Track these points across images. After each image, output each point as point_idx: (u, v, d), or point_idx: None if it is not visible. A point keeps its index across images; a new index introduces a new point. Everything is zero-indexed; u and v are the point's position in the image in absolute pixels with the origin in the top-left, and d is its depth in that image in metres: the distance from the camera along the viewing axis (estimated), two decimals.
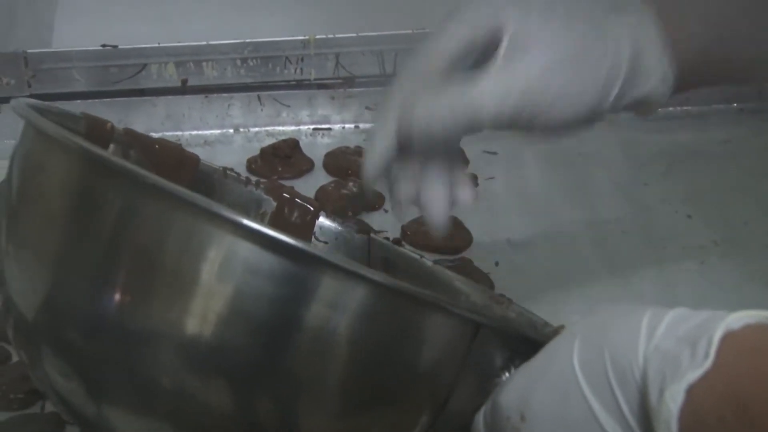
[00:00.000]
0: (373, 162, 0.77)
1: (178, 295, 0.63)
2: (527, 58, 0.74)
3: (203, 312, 0.63)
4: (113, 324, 0.64)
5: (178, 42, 1.34)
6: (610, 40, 0.76)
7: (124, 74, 1.34)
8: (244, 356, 0.63)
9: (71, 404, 0.69)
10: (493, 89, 0.74)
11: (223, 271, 0.63)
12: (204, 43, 1.34)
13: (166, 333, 0.64)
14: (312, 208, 0.95)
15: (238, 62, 1.35)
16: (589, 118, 0.78)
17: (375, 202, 1.07)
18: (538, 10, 0.75)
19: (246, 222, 0.62)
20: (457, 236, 1.14)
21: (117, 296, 0.64)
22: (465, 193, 0.80)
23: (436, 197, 0.79)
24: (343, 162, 1.27)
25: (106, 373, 0.66)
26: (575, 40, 0.75)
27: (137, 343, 0.64)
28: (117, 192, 0.65)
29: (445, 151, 0.79)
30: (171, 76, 1.35)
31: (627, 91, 0.78)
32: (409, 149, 0.76)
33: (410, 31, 1.35)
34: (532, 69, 0.74)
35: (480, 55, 0.76)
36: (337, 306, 0.63)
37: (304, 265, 0.63)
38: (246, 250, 0.62)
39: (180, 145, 0.95)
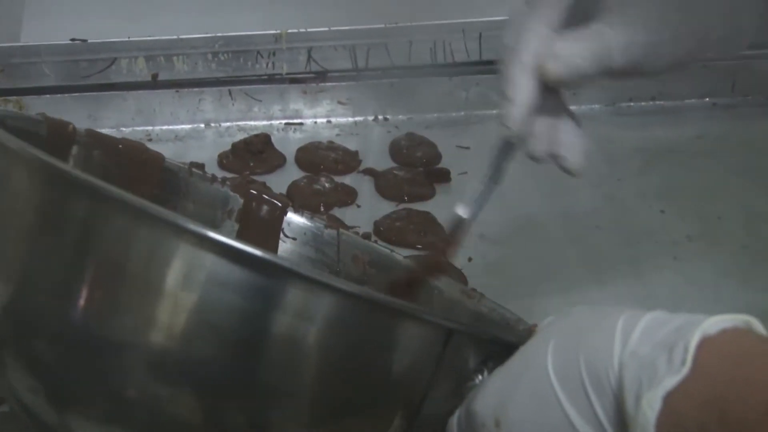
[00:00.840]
0: (518, 112, 0.77)
1: (143, 307, 0.62)
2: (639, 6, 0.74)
3: (170, 324, 0.62)
4: (78, 336, 0.63)
5: (149, 36, 1.33)
6: None
7: (94, 69, 1.33)
8: (212, 368, 0.63)
9: (34, 414, 0.68)
10: (619, 34, 0.74)
11: (188, 283, 0.62)
12: (175, 37, 1.33)
13: (132, 345, 0.63)
14: (279, 204, 0.94)
15: (209, 56, 1.34)
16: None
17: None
18: None
19: (211, 234, 0.61)
20: (431, 231, 1.13)
21: (82, 308, 0.63)
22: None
23: (575, 142, 0.81)
24: (316, 157, 1.27)
25: (71, 384, 0.65)
26: None
27: (102, 355, 0.63)
28: (79, 205, 0.64)
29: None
30: (141, 71, 1.34)
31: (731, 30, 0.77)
32: (552, 95, 0.78)
33: (382, 26, 1.35)
34: (649, 15, 0.74)
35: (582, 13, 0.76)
36: (305, 316, 0.62)
37: (271, 276, 0.62)
38: (211, 262, 0.61)
39: (144, 144, 0.94)
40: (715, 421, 0.55)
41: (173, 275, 0.62)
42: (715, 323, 0.57)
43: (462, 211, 0.79)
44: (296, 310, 0.62)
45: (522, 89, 0.76)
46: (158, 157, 0.92)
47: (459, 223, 0.78)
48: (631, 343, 0.58)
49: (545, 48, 0.74)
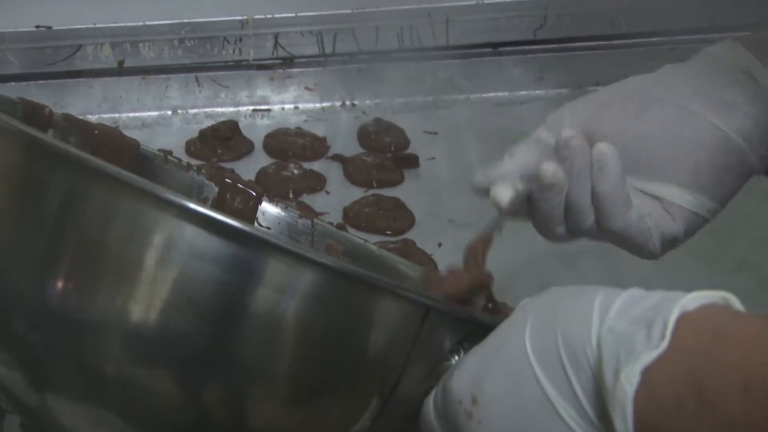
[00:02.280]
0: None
1: (123, 281, 0.62)
2: None
3: (149, 298, 0.62)
4: (57, 313, 0.63)
5: (114, 23, 1.33)
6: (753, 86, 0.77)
7: (59, 56, 1.32)
8: (191, 343, 0.62)
9: (12, 393, 0.67)
10: None
11: (168, 256, 0.62)
12: (141, 23, 1.33)
13: (111, 321, 0.62)
14: (254, 194, 0.94)
15: (176, 43, 1.34)
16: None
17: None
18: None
19: (191, 205, 0.61)
20: (400, 217, 1.13)
21: (60, 285, 0.63)
22: None
23: None
24: (284, 143, 1.26)
25: (50, 362, 0.64)
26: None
27: (82, 332, 0.63)
28: (60, 177, 0.63)
29: None
30: (107, 58, 1.33)
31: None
32: None
33: (349, 11, 1.35)
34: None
35: None
36: (285, 290, 0.62)
37: (250, 248, 0.62)
38: (192, 234, 0.61)
39: (120, 130, 0.93)
40: (693, 395, 0.55)
41: (153, 247, 0.62)
42: (693, 299, 0.58)
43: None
44: (276, 283, 0.62)
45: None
46: (134, 144, 0.91)
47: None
48: (609, 319, 0.58)
49: None
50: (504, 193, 0.77)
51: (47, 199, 0.63)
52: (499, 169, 0.78)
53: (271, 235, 0.63)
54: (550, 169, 0.74)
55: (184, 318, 0.62)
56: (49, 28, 1.31)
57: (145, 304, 0.62)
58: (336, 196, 1.18)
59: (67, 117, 0.89)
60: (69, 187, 0.63)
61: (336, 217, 1.12)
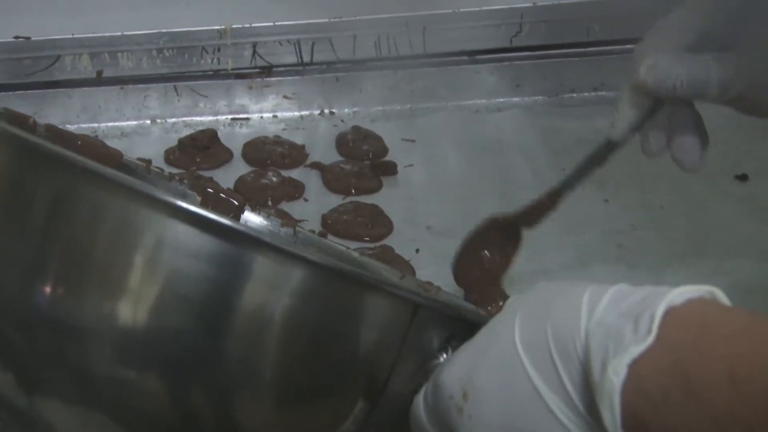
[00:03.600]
0: (620, 125, 0.87)
1: (114, 282, 0.63)
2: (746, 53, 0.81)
3: (140, 298, 0.63)
4: (47, 315, 0.64)
5: (93, 33, 1.33)
6: None
7: (38, 66, 1.32)
8: (182, 342, 0.63)
9: (2, 396, 0.68)
10: (722, 72, 0.81)
11: (158, 255, 0.62)
12: (119, 33, 1.34)
13: (103, 322, 0.63)
14: (236, 203, 0.94)
15: (154, 53, 1.34)
16: None
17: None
18: None
19: (183, 204, 0.62)
20: (378, 224, 1.14)
21: (50, 287, 0.64)
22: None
23: (688, 141, 0.87)
24: (263, 152, 1.27)
25: (40, 364, 0.65)
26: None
27: (73, 334, 0.64)
28: (50, 179, 0.64)
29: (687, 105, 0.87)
30: (86, 68, 1.34)
31: None
32: (658, 104, 0.86)
33: (327, 20, 1.36)
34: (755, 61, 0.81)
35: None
36: (276, 287, 0.63)
37: (242, 246, 0.63)
38: (183, 232, 0.62)
39: (103, 141, 0.94)
40: (679, 386, 0.56)
41: (145, 247, 0.62)
42: (680, 293, 0.59)
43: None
44: (267, 281, 0.63)
45: (626, 105, 0.86)
46: (117, 154, 0.92)
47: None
48: (598, 313, 0.59)
49: (649, 57, 0.82)
50: None
51: (36, 201, 0.64)
52: None
53: (262, 233, 0.64)
54: None
55: (175, 317, 0.63)
56: (28, 38, 1.32)
57: (136, 304, 0.63)
58: (314, 204, 1.18)
59: (51, 128, 0.89)
60: (59, 188, 0.64)
61: (314, 224, 1.12)
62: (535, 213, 0.97)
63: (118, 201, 0.63)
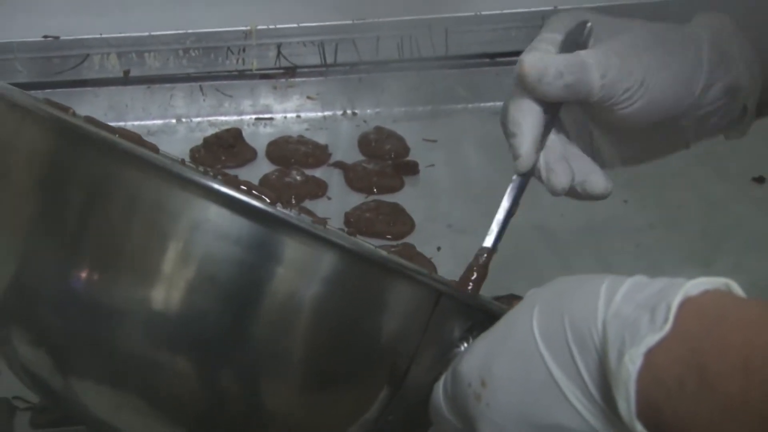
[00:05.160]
0: (526, 142, 0.77)
1: (147, 264, 0.64)
2: (617, 38, 0.77)
3: (173, 279, 0.64)
4: (82, 296, 0.65)
5: (120, 33, 1.35)
6: (688, 30, 0.79)
7: (66, 65, 1.34)
8: (213, 324, 0.64)
9: (37, 376, 0.69)
10: (596, 54, 0.75)
11: (193, 237, 0.63)
12: (146, 33, 1.35)
13: (136, 303, 0.64)
14: (268, 200, 0.96)
15: (180, 53, 1.36)
16: (677, 112, 0.79)
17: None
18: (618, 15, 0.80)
19: (217, 186, 0.63)
20: (400, 222, 1.15)
21: (86, 268, 0.65)
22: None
23: (591, 167, 0.80)
24: (286, 151, 1.29)
25: (74, 345, 0.66)
26: (656, 29, 0.78)
27: (107, 315, 0.65)
28: (88, 161, 0.65)
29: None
30: (113, 67, 1.35)
31: (713, 80, 0.79)
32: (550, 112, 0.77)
33: (350, 22, 1.37)
34: (624, 45, 0.76)
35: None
36: (305, 271, 0.64)
37: (273, 229, 0.64)
38: (216, 214, 0.63)
39: (139, 134, 0.95)
40: (694, 375, 0.57)
41: (179, 228, 0.63)
42: (696, 285, 0.59)
43: (487, 242, 0.80)
44: (296, 265, 0.64)
45: (527, 115, 0.77)
46: (153, 148, 0.94)
47: (484, 254, 0.80)
48: (615, 303, 0.60)
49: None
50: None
51: (75, 183, 0.65)
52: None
53: (293, 217, 0.65)
54: None
55: (206, 299, 0.64)
56: (57, 38, 1.34)
57: (169, 285, 0.64)
58: (337, 202, 1.20)
59: (90, 119, 0.91)
60: (99, 170, 0.65)
61: (337, 222, 1.14)
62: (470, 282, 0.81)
63: (155, 182, 0.64)
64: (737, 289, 0.61)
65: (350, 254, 0.65)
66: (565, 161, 0.79)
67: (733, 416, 0.56)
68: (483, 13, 1.38)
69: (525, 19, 1.39)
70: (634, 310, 0.60)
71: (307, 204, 1.19)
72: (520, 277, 1.06)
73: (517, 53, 1.43)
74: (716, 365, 0.57)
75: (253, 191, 0.94)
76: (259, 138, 1.32)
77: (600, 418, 0.61)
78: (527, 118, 0.76)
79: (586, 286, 0.63)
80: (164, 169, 0.63)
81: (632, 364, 0.58)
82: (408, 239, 1.14)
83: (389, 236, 1.14)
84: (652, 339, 0.58)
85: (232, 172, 1.18)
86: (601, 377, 0.60)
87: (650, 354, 0.58)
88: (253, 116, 1.38)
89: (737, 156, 1.26)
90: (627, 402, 0.58)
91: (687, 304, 0.59)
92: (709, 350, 0.57)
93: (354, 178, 1.24)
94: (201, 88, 1.37)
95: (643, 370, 0.58)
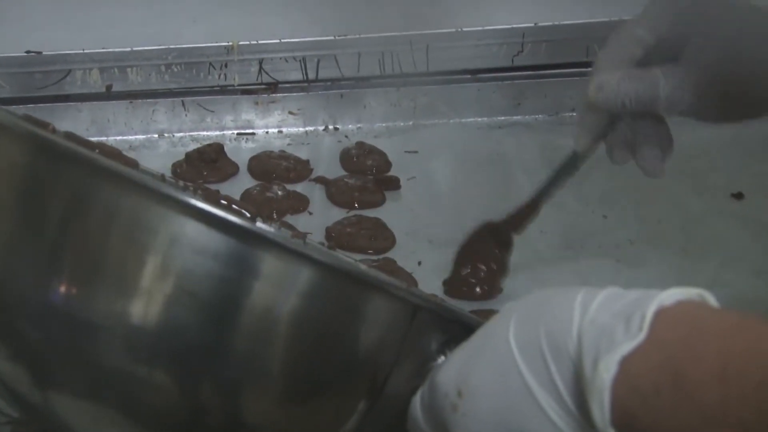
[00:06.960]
0: (583, 136, 0.96)
1: (125, 279, 0.64)
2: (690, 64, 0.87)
3: (151, 294, 0.64)
4: (60, 311, 0.65)
5: (102, 48, 1.35)
6: None
7: (49, 80, 1.34)
8: (191, 338, 0.65)
9: (16, 390, 0.69)
10: (669, 85, 0.87)
11: (171, 252, 0.64)
12: (128, 49, 1.36)
13: (114, 318, 0.65)
14: (248, 215, 0.96)
15: (162, 68, 1.36)
16: None
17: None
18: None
19: (195, 202, 0.64)
20: (381, 237, 1.16)
21: (64, 283, 0.65)
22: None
23: (649, 151, 0.95)
24: (268, 166, 1.29)
25: (53, 359, 0.67)
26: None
27: (85, 330, 0.65)
28: (68, 176, 0.66)
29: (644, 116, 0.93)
30: (95, 82, 1.36)
31: None
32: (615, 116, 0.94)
33: (332, 38, 1.38)
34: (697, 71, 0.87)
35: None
36: (283, 286, 0.65)
37: (251, 244, 0.64)
38: (194, 230, 0.64)
39: (119, 149, 0.96)
40: (670, 383, 0.57)
41: (157, 243, 0.64)
42: (671, 295, 0.60)
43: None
44: (274, 279, 0.65)
45: (585, 119, 0.94)
46: (132, 163, 0.94)
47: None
48: (590, 313, 0.61)
49: (599, 76, 0.89)
50: None
51: (54, 198, 0.66)
52: None
53: (269, 232, 0.66)
54: None
55: (185, 313, 0.64)
56: (39, 53, 1.34)
57: (147, 299, 0.64)
58: (319, 217, 1.20)
59: (70, 135, 0.91)
60: (77, 185, 0.66)
61: (319, 237, 1.14)
62: (519, 219, 1.04)
63: (133, 198, 0.64)
64: (711, 300, 0.61)
65: (327, 269, 0.65)
66: (625, 144, 0.95)
67: (710, 424, 0.57)
68: (464, 29, 1.39)
69: (506, 35, 1.40)
70: (609, 319, 0.60)
71: (289, 219, 1.19)
72: (498, 294, 1.06)
73: (498, 69, 1.46)
74: (693, 373, 0.57)
75: (234, 206, 0.95)
76: (241, 153, 1.32)
77: (574, 427, 0.62)
78: (592, 123, 0.94)
79: (562, 298, 0.63)
80: (141, 185, 0.64)
81: (607, 371, 0.58)
82: (389, 254, 1.14)
83: (371, 251, 1.14)
84: (627, 347, 0.59)
85: (214, 187, 1.18)
86: (576, 387, 0.61)
87: (625, 361, 0.59)
88: (235, 131, 1.38)
89: (716, 172, 1.27)
90: (601, 409, 0.59)
91: (662, 313, 0.60)
92: (685, 358, 0.58)
93: (336, 193, 1.24)
94: (183, 104, 1.37)
95: (618, 378, 0.59)
